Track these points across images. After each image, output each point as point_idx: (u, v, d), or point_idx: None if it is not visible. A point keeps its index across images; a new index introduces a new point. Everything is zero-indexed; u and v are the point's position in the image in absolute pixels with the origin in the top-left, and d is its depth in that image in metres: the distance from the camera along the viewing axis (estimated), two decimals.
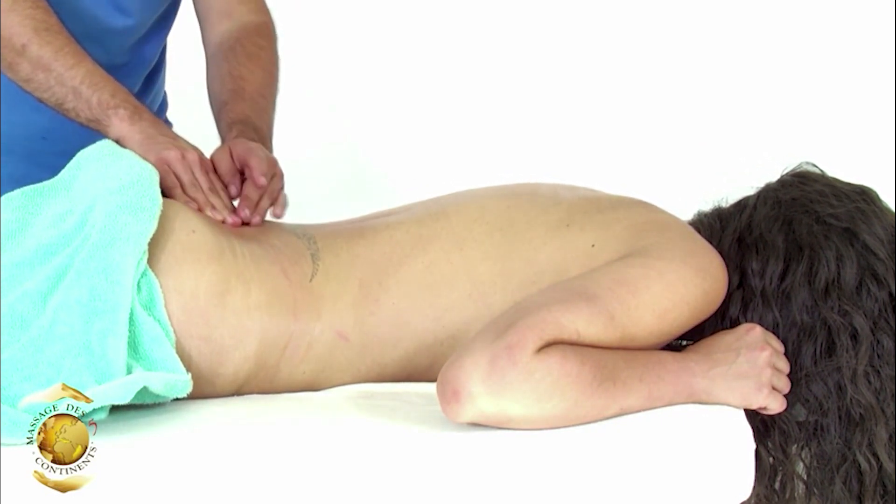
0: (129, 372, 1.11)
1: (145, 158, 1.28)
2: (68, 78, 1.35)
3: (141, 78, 1.64)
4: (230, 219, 1.29)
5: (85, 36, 1.44)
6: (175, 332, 1.16)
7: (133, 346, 1.14)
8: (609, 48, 2.72)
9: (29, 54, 1.35)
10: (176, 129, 1.76)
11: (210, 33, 1.62)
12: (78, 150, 1.32)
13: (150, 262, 1.17)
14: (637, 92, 2.70)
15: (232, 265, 1.21)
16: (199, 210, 1.28)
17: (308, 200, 1.40)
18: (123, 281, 1.13)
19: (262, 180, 1.33)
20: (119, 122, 1.33)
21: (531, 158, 2.69)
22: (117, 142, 1.32)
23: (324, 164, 2.63)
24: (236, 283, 1.21)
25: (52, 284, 1.15)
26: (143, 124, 1.33)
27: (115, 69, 1.54)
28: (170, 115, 1.78)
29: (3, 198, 1.25)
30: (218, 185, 1.33)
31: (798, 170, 1.34)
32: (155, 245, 1.18)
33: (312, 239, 1.29)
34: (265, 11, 1.65)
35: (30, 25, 1.35)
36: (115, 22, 1.54)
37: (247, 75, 1.54)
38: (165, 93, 1.75)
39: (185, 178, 1.30)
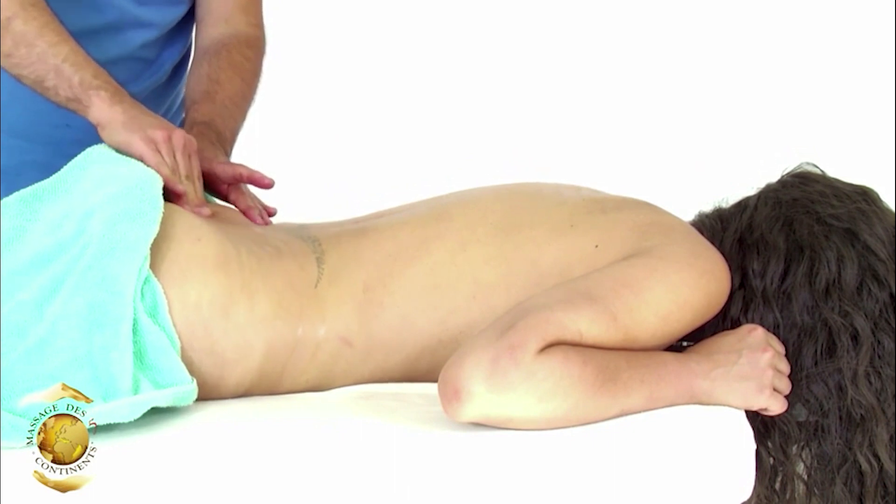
0: (135, 383, 1.10)
1: (130, 137, 1.27)
2: (51, 55, 1.32)
3: (167, 71, 1.63)
4: (204, 211, 1.28)
5: (111, 28, 1.43)
6: (180, 339, 1.15)
7: (138, 357, 1.12)
8: (610, 48, 2.72)
9: (13, 28, 1.33)
10: None
11: (202, 35, 1.62)
12: (99, 139, 1.31)
13: (153, 267, 1.15)
14: (638, 92, 2.70)
15: (237, 276, 1.20)
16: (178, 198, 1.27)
17: (308, 199, 1.40)
18: (124, 292, 1.12)
19: (269, 181, 1.35)
20: (100, 103, 1.31)
21: (534, 158, 2.69)
22: (97, 126, 1.31)
23: (324, 163, 2.63)
24: (241, 296, 1.19)
25: (48, 294, 1.13)
26: (124, 105, 1.32)
27: (144, 62, 1.54)
28: None
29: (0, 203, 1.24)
30: (196, 172, 1.32)
31: (798, 170, 1.34)
32: (157, 251, 1.16)
33: (317, 241, 1.28)
34: (261, 27, 1.65)
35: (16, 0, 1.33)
36: (143, 15, 1.54)
37: (224, 81, 1.54)
38: None
39: (167, 160, 1.29)
